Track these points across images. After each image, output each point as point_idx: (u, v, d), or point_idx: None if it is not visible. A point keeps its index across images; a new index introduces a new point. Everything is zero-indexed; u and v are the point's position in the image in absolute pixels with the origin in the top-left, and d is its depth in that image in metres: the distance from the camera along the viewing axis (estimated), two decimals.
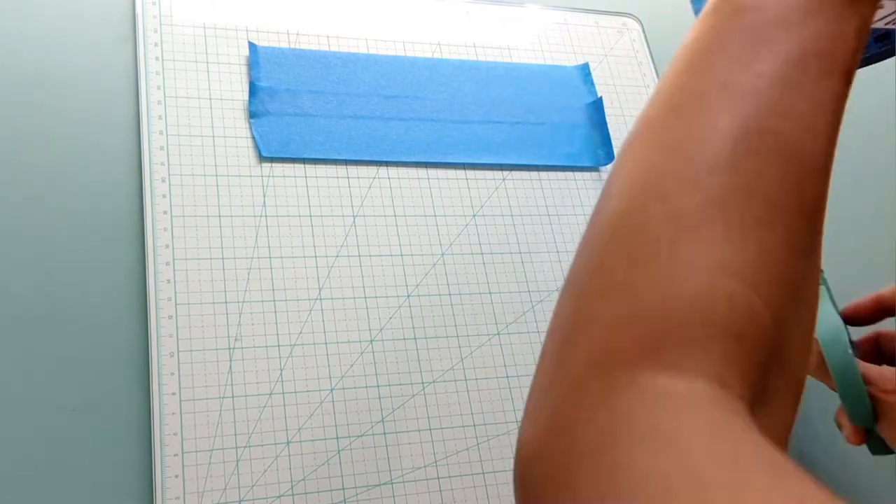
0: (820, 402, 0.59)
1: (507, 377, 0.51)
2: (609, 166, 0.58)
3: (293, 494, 0.44)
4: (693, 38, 0.31)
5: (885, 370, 0.48)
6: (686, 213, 0.26)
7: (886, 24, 0.49)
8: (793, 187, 0.27)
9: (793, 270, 0.26)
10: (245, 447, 0.45)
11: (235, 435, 0.45)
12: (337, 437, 0.46)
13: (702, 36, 0.30)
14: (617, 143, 0.60)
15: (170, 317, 0.47)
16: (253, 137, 0.53)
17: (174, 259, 0.48)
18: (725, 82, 0.28)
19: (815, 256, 0.28)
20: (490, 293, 0.53)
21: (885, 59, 0.47)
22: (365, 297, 0.51)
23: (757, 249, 0.25)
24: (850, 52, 0.30)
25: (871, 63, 0.49)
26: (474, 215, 0.55)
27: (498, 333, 0.52)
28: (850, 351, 0.51)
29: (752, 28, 0.29)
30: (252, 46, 0.56)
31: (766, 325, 0.25)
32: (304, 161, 0.53)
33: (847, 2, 0.30)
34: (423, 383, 0.49)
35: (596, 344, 0.25)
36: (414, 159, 0.55)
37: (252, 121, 0.53)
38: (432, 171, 0.56)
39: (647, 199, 0.27)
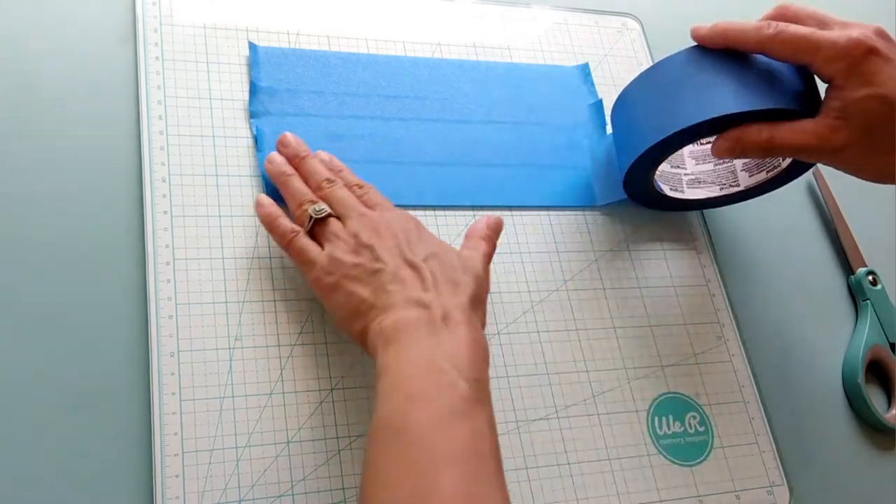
0: (820, 403, 0.59)
1: (508, 377, 0.51)
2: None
3: (293, 494, 0.44)
4: (373, 459, 0.38)
5: None
6: None
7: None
8: None
9: None
10: (245, 447, 0.45)
11: (235, 435, 0.45)
12: (337, 437, 0.46)
13: (379, 458, 0.38)
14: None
15: (170, 317, 0.47)
16: (254, 140, 0.53)
17: (174, 259, 0.48)
18: (413, 494, 0.36)
19: None
20: (490, 293, 0.53)
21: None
22: None
23: None
24: (492, 437, 0.39)
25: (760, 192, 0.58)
26: (474, 215, 0.55)
27: (498, 333, 0.52)
28: (861, 379, 0.58)
29: (413, 443, 0.37)
30: (252, 46, 0.56)
31: None
32: None
33: (478, 405, 0.39)
34: None
35: None
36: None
37: (252, 121, 0.53)
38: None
39: None
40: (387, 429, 0.38)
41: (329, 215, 0.47)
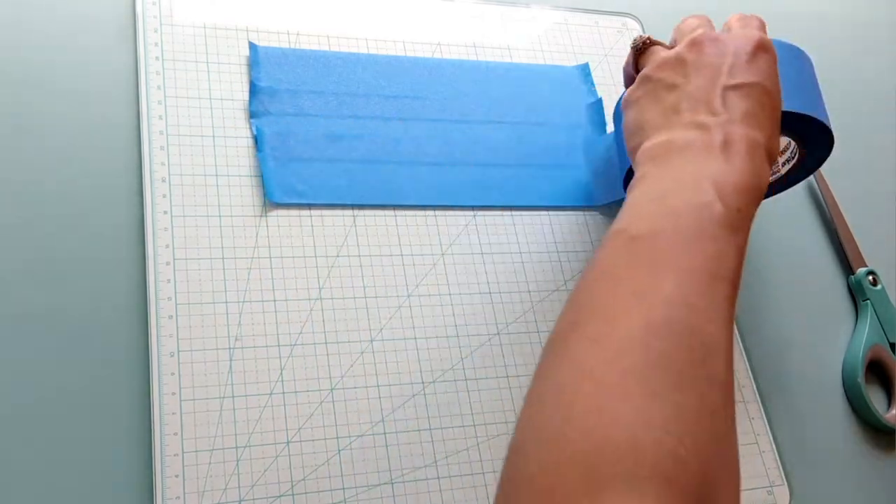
0: (820, 403, 0.59)
1: (507, 377, 0.51)
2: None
3: (293, 494, 0.44)
4: (600, 259, 0.37)
5: None
6: (609, 383, 0.31)
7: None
8: (698, 362, 0.32)
9: (710, 424, 0.31)
10: (245, 447, 0.45)
11: (235, 435, 0.45)
12: (337, 437, 0.46)
13: (607, 258, 0.37)
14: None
15: (170, 317, 0.47)
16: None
17: (174, 259, 0.48)
18: (634, 292, 0.34)
19: (730, 412, 0.33)
20: (490, 293, 0.53)
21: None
22: (365, 297, 0.51)
23: (675, 409, 0.30)
24: (734, 265, 0.36)
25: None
26: (475, 215, 0.55)
27: (498, 333, 0.52)
28: (861, 378, 0.58)
29: (648, 251, 0.35)
30: (252, 46, 0.56)
31: (692, 469, 0.29)
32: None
33: (729, 231, 0.36)
34: (423, 383, 0.49)
35: (535, 485, 0.29)
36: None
37: (252, 121, 0.53)
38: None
39: (575, 377, 0.32)
40: (624, 235, 0.37)
41: (647, 43, 0.46)
